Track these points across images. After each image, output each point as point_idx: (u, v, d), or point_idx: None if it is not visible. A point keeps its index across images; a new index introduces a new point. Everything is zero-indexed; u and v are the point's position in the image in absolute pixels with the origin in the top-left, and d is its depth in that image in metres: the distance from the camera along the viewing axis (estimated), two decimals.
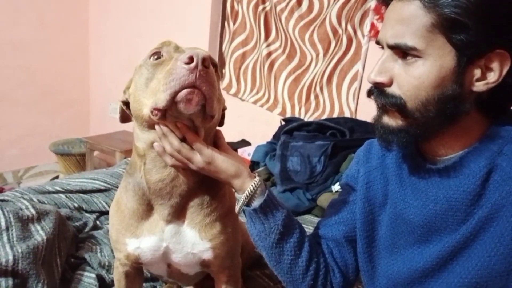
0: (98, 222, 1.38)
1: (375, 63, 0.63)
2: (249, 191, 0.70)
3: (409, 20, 0.58)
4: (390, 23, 0.61)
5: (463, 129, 0.62)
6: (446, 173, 0.64)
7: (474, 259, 0.60)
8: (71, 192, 1.43)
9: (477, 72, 0.57)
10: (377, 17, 1.94)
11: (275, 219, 0.71)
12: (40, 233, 1.00)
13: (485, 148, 0.61)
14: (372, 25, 1.97)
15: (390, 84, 0.61)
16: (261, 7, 2.34)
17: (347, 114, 2.14)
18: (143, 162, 0.72)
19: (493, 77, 0.57)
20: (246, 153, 1.98)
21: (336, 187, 1.55)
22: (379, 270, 0.74)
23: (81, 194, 1.44)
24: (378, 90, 0.63)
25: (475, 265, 0.60)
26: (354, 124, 1.77)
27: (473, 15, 0.54)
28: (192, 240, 0.73)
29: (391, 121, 0.63)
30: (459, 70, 0.57)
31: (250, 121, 2.47)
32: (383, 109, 0.64)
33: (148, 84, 0.66)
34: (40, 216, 1.06)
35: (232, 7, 2.46)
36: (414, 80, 0.58)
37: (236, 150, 0.81)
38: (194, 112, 0.62)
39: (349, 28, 2.07)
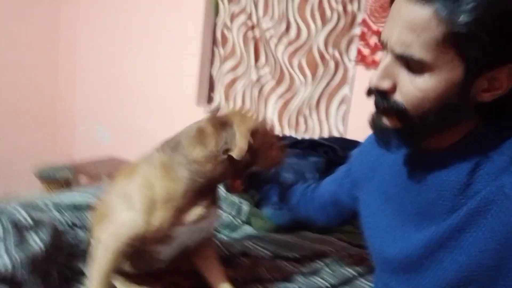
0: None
1: (377, 66, 0.61)
2: None
3: (420, 29, 0.53)
4: (397, 26, 0.56)
5: (459, 128, 0.62)
6: (437, 163, 0.64)
7: (463, 253, 0.60)
8: (63, 208, 1.39)
9: (484, 83, 0.56)
10: (362, 43, 2.05)
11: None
12: (38, 243, 0.97)
13: (477, 139, 0.61)
14: (359, 51, 2.07)
15: (393, 90, 0.60)
16: (250, 33, 2.42)
17: (336, 136, 2.20)
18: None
19: (500, 88, 0.56)
20: None
21: None
22: (376, 255, 0.77)
23: (74, 211, 1.40)
24: (379, 95, 0.61)
25: (464, 259, 0.60)
26: (345, 143, 1.82)
27: (491, 29, 0.51)
28: (214, 218, 0.96)
29: (389, 122, 0.63)
30: (466, 83, 0.55)
31: None
32: (383, 112, 0.63)
33: None
34: (37, 226, 1.03)
35: (223, 33, 2.54)
36: (419, 92, 0.57)
37: None
38: None
39: (336, 54, 2.17)
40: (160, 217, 0.85)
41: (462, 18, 0.51)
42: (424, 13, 0.53)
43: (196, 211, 0.89)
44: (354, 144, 1.82)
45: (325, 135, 2.22)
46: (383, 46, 0.60)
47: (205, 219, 0.91)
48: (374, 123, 0.66)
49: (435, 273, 0.64)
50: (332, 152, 1.74)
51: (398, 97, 0.59)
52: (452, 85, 0.55)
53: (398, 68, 0.58)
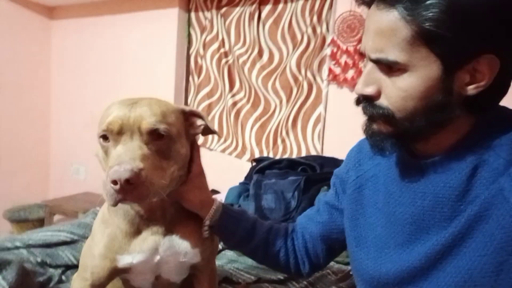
0: (63, 277, 1.27)
1: (361, 75, 0.63)
2: (209, 216, 0.82)
3: (389, 32, 0.56)
4: (370, 34, 0.60)
5: (453, 128, 0.61)
6: (433, 169, 0.63)
7: (465, 258, 0.59)
8: (33, 246, 1.32)
9: (466, 77, 0.56)
10: (333, 62, 2.09)
11: (232, 237, 0.86)
12: (1, 283, 0.91)
13: (472, 143, 0.60)
14: (330, 70, 2.11)
15: (378, 95, 0.61)
16: (224, 60, 2.45)
17: (313, 154, 2.20)
18: None
19: (483, 80, 0.56)
20: (218, 199, 1.94)
21: None
22: (368, 269, 0.72)
23: (44, 248, 1.33)
24: (366, 101, 0.63)
25: (465, 264, 0.59)
26: (323, 161, 1.82)
27: (451, 27, 0.53)
28: (185, 250, 0.81)
29: (380, 128, 0.63)
30: (446, 78, 0.56)
31: (220, 170, 2.47)
32: (371, 118, 0.64)
33: (106, 160, 0.71)
34: (1, 266, 0.97)
35: (196, 62, 2.57)
36: (401, 92, 0.58)
37: None
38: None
39: (309, 75, 2.21)
40: (98, 243, 0.78)
41: (424, 17, 0.53)
42: (390, 17, 0.56)
43: (143, 241, 0.78)
44: (331, 161, 1.83)
45: (303, 154, 2.22)
46: (362, 55, 0.63)
47: (159, 249, 0.79)
48: (367, 130, 0.66)
49: (436, 281, 0.62)
50: (310, 170, 1.73)
51: (383, 101, 0.60)
52: (432, 82, 0.56)
53: (378, 73, 0.60)
